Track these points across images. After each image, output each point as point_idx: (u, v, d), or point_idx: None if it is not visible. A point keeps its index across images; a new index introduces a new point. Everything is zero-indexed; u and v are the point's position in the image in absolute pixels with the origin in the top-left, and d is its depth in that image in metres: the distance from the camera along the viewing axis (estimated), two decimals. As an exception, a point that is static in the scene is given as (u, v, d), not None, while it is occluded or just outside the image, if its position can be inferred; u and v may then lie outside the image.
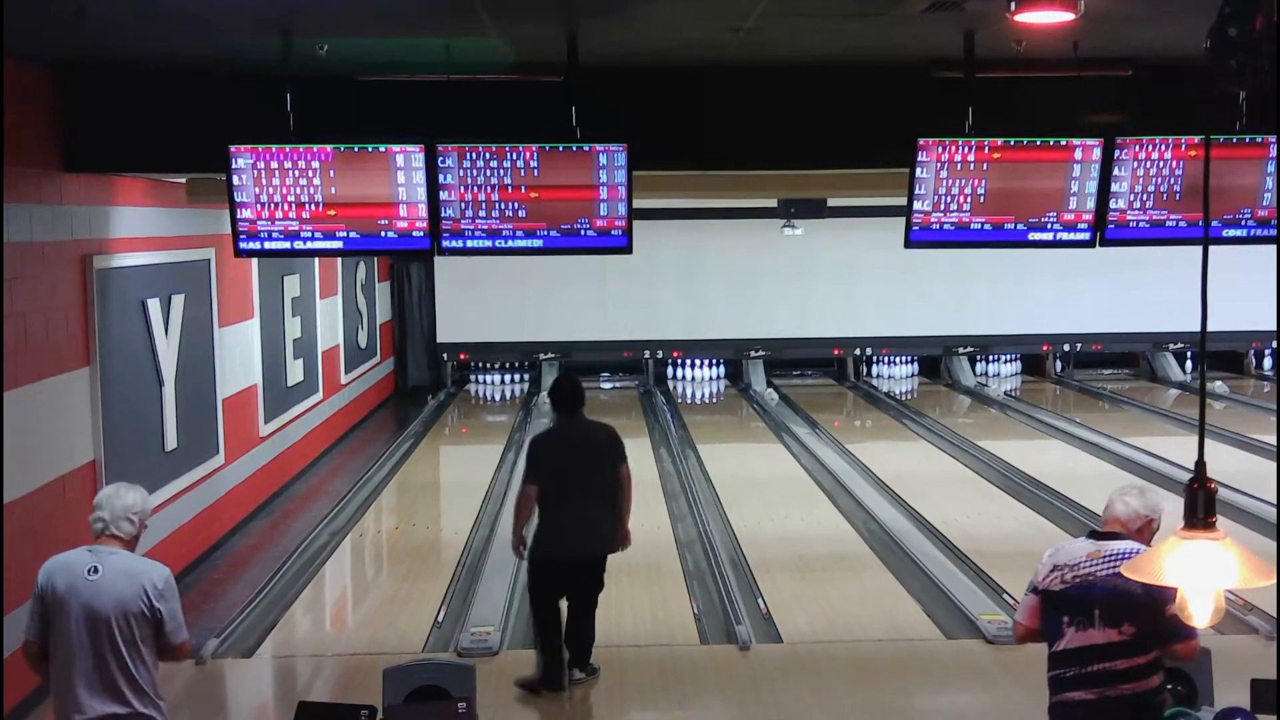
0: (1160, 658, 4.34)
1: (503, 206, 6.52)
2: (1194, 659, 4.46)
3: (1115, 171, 6.60)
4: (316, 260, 13.23)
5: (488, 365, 19.06)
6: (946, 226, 6.71)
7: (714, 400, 18.43)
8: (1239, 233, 6.71)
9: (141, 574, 4.49)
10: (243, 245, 6.60)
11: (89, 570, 4.46)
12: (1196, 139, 6.55)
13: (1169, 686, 4.49)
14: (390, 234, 6.56)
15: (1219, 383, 17.61)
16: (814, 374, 19.48)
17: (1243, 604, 7.64)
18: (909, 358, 19.54)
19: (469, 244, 6.58)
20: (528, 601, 7.01)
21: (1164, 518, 4.46)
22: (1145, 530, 4.48)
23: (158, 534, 8.55)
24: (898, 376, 19.46)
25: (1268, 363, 19.49)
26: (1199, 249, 3.03)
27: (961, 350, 19.08)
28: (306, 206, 6.49)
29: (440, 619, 8.04)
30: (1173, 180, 6.63)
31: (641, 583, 8.63)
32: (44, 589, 4.50)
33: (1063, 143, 6.60)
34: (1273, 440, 13.05)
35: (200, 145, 6.82)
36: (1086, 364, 19.59)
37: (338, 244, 6.61)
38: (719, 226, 17.79)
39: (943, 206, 6.66)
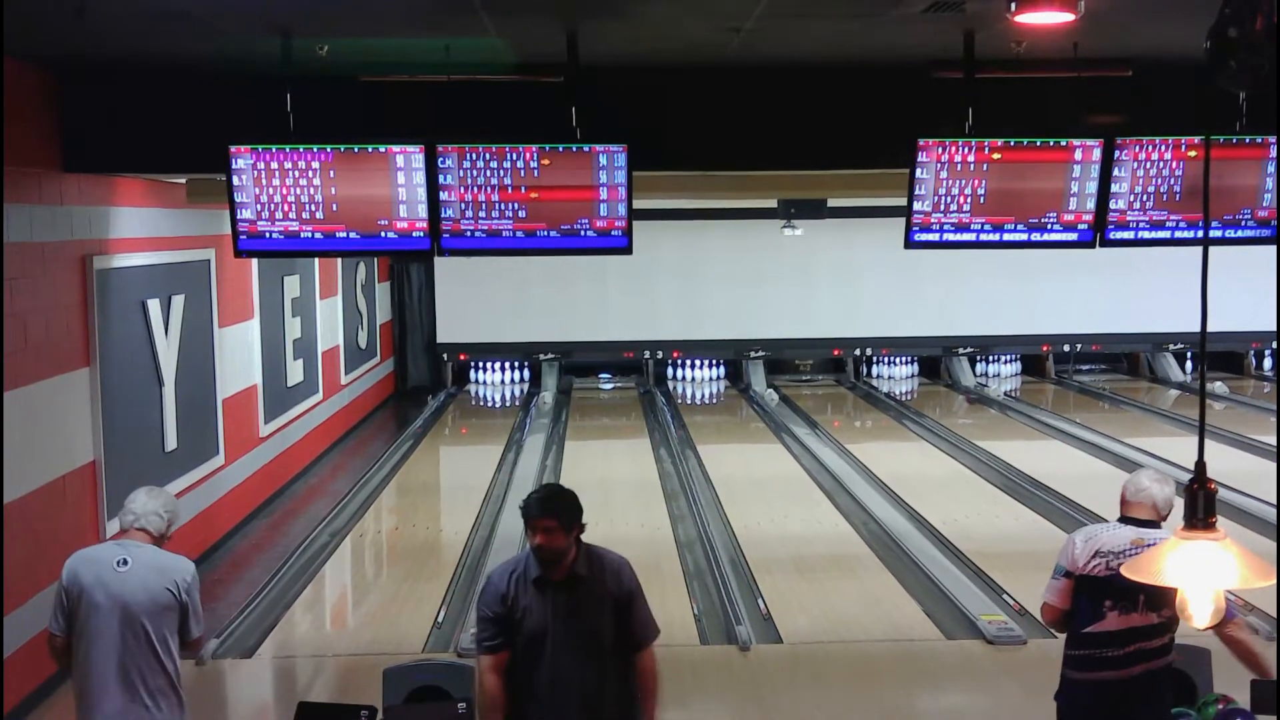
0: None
1: (503, 207, 6.51)
2: None
3: (1115, 172, 6.60)
4: (316, 260, 13.23)
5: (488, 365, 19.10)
6: (946, 227, 6.71)
7: (714, 401, 18.43)
8: (1239, 233, 6.71)
9: (170, 568, 4.53)
10: (243, 245, 6.60)
11: (118, 562, 4.47)
12: (1196, 139, 6.55)
13: None
14: (390, 234, 6.56)
15: (1219, 383, 17.59)
16: (819, 377, 19.47)
17: (1243, 604, 7.64)
18: (909, 358, 19.54)
19: (469, 244, 6.57)
20: None
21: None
22: (1167, 515, 4.61)
23: (158, 534, 8.57)
24: (898, 377, 19.46)
25: (1268, 363, 19.49)
26: (1199, 249, 3.04)
27: (961, 350, 19.07)
28: (306, 207, 6.49)
29: (440, 619, 8.04)
30: (1173, 181, 6.63)
31: (641, 583, 8.61)
32: (69, 582, 4.49)
33: (1063, 143, 6.60)
34: (1273, 440, 13.05)
35: (200, 145, 6.82)
36: (1086, 364, 19.59)
37: (338, 244, 6.62)
38: (719, 227, 17.80)
39: (943, 207, 6.66)
